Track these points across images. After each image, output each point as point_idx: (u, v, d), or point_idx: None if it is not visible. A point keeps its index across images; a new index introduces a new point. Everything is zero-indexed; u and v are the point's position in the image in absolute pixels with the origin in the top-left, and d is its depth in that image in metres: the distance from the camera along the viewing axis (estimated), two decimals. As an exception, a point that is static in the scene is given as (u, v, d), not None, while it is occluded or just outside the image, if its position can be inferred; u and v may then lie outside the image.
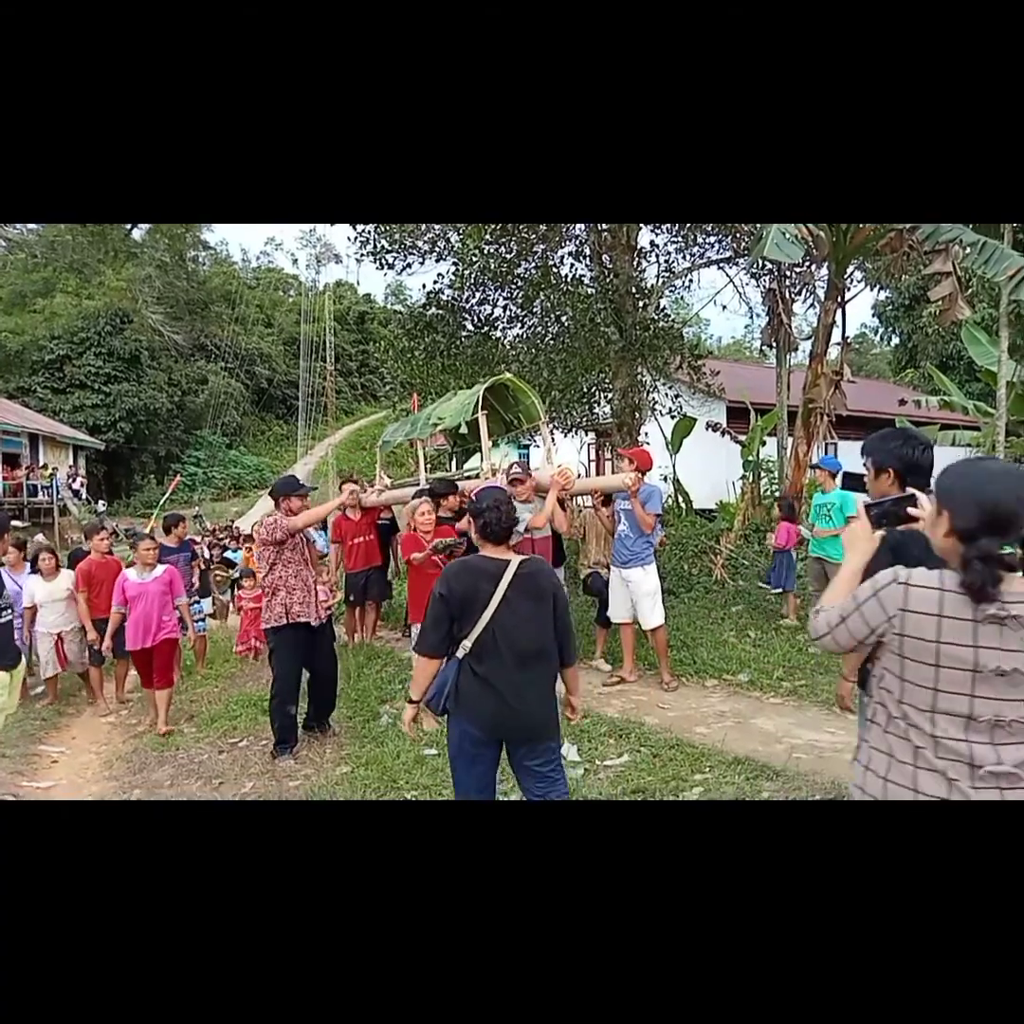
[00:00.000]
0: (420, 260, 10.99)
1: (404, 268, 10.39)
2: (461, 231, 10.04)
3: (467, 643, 2.40)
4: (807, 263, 9.52)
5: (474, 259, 9.80)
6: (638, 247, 10.49)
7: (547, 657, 2.48)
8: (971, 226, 7.32)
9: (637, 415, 11.08)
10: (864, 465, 2.44)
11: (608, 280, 10.49)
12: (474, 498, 2.70)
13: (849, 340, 8.90)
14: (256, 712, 5.35)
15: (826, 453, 18.00)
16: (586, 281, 10.96)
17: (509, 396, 6.77)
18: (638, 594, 5.29)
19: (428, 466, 7.04)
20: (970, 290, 10.70)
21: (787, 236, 6.39)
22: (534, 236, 10.78)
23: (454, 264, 10.07)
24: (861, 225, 7.89)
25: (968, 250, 7.20)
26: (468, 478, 6.34)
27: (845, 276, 8.47)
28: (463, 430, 6.13)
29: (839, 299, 8.45)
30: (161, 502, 16.36)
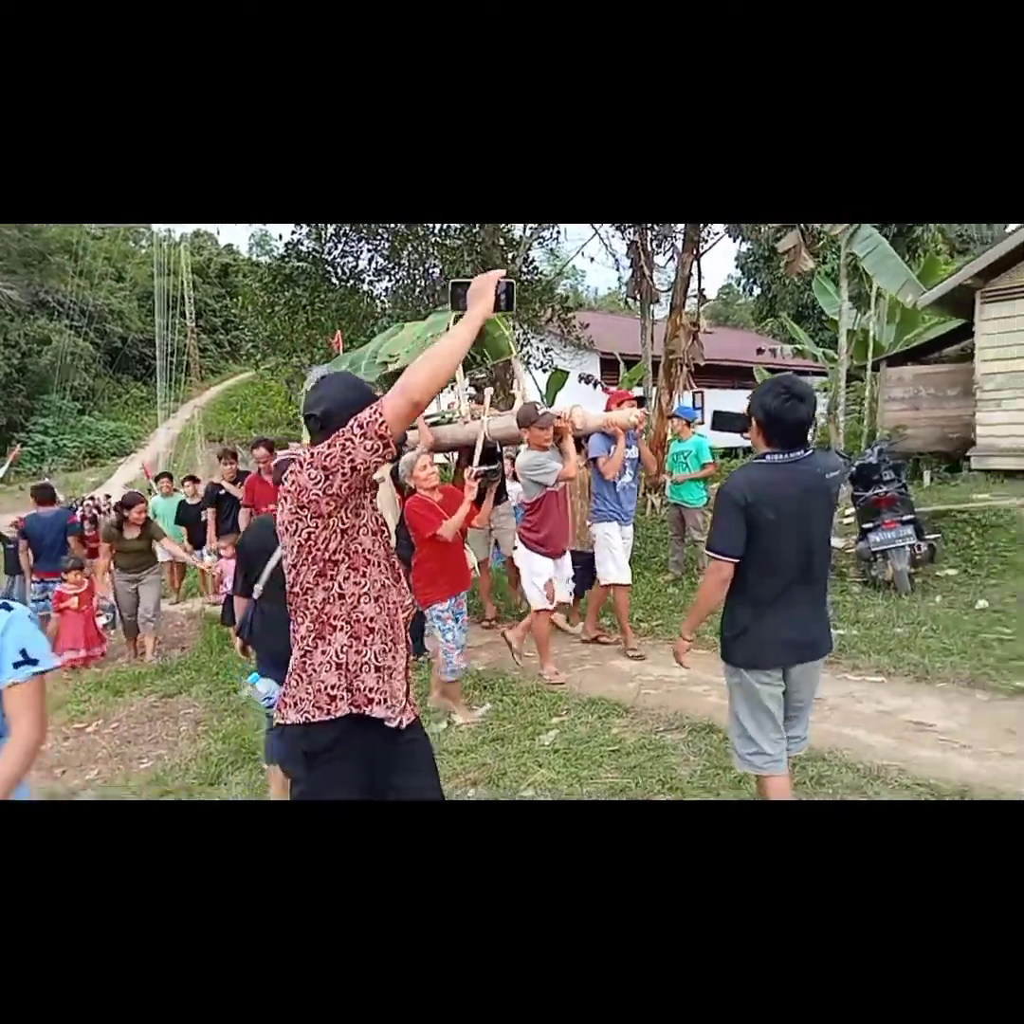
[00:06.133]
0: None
1: (256, 216, 9.73)
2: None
3: (259, 586, 2.87)
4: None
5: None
6: (502, 197, 10.34)
7: None
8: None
9: (510, 368, 11.10)
10: None
11: (474, 232, 10.32)
12: (275, 468, 2.95)
13: (703, 291, 9.21)
14: (107, 694, 5.06)
15: (694, 402, 18.80)
16: (453, 232, 10.74)
17: None
18: (626, 553, 4.96)
19: None
20: (821, 242, 11.32)
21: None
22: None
23: (308, 212, 9.54)
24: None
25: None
26: (436, 424, 5.81)
27: (701, 230, 8.72)
28: None
29: (695, 252, 8.70)
30: (1, 475, 14.85)
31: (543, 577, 4.44)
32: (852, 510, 7.07)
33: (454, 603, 3.92)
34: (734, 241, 23.16)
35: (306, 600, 1.72)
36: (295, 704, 1.72)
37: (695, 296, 8.83)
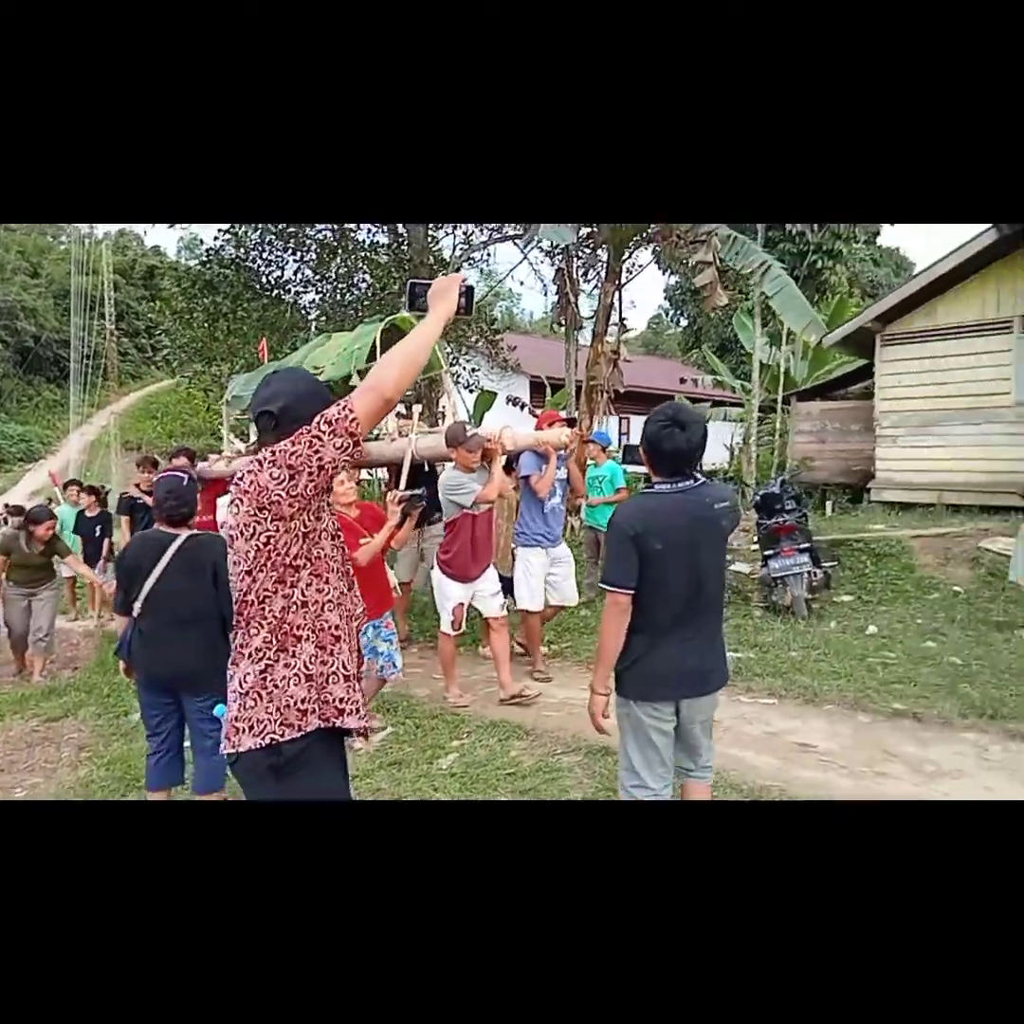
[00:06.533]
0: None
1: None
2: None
3: (137, 604, 2.83)
4: (590, 247, 9.99)
5: (250, 216, 9.17)
6: (431, 217, 10.41)
7: (205, 620, 2.83)
8: (725, 221, 8.04)
9: (436, 387, 11.11)
10: None
11: (402, 248, 10.33)
12: (156, 483, 2.98)
13: (624, 321, 9.47)
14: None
15: (620, 427, 19.19)
16: (381, 247, 10.73)
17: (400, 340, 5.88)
18: (568, 571, 4.93)
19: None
20: (737, 280, 11.83)
21: (562, 218, 6.62)
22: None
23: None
24: (634, 212, 8.39)
25: (723, 243, 7.90)
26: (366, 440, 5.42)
27: (622, 261, 8.97)
28: (355, 381, 5.26)
29: (617, 282, 8.95)
30: None
31: (451, 602, 4.37)
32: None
33: (381, 625, 3.86)
34: (663, 273, 23.84)
35: (263, 609, 1.59)
36: (251, 727, 1.58)
37: (616, 325, 9.06)
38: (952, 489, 8.07)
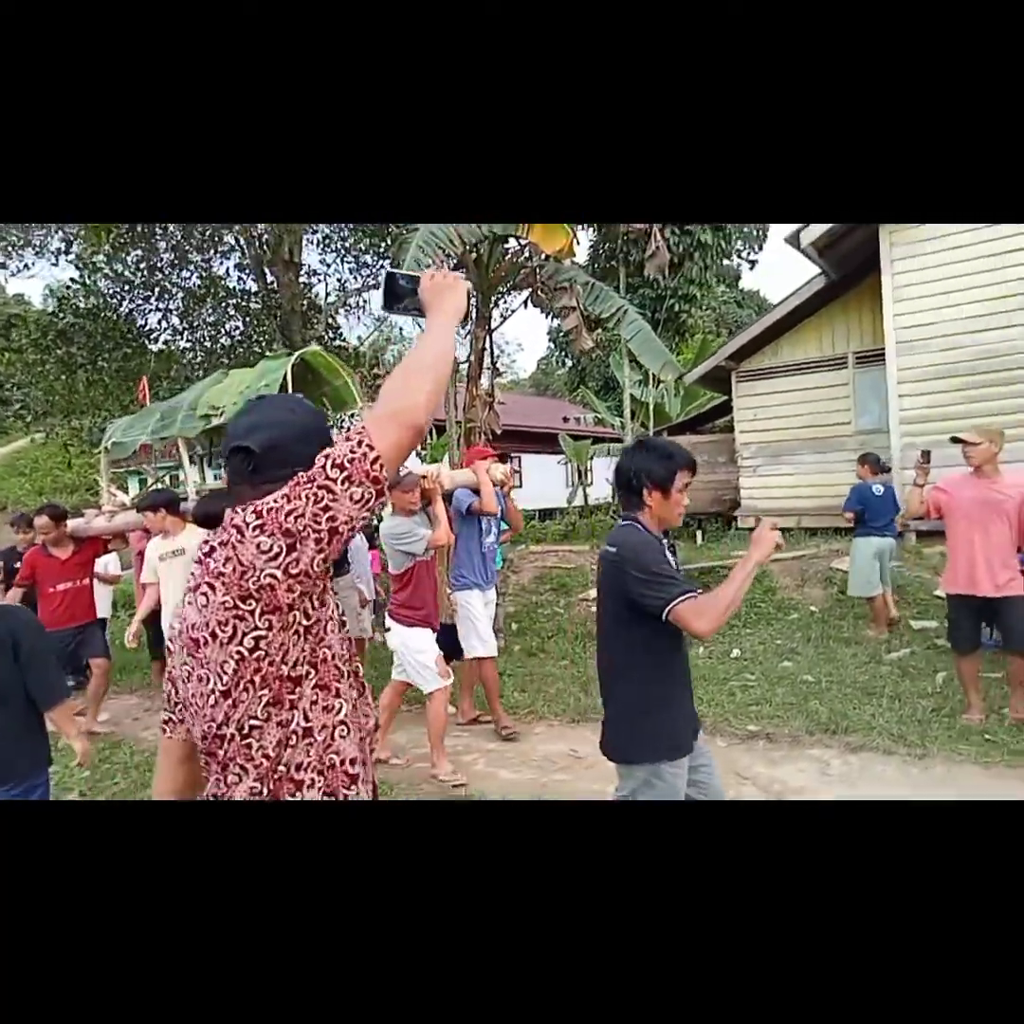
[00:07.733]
0: (52, 259, 9.63)
1: (22, 269, 9.01)
2: (77, 232, 8.51)
3: None
4: (463, 292, 10.23)
5: (100, 264, 8.81)
6: (301, 264, 10.36)
7: (7, 700, 2.61)
8: (586, 269, 8.45)
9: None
10: None
11: (271, 297, 10.21)
12: None
13: (497, 365, 9.71)
14: None
15: (513, 466, 19.44)
16: (252, 294, 10.58)
17: (308, 375, 5.34)
18: (492, 614, 4.68)
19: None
20: (599, 324, 12.39)
21: (423, 263, 6.72)
22: (190, 244, 10.09)
23: (78, 268, 8.97)
24: (500, 261, 8.68)
25: (584, 289, 8.27)
26: None
27: (492, 306, 9.22)
28: None
29: (488, 327, 9.17)
30: None
31: (429, 653, 3.87)
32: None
33: None
34: (545, 316, 24.65)
35: (248, 747, 1.11)
36: None
37: (490, 368, 9.27)
38: (807, 513, 8.65)
